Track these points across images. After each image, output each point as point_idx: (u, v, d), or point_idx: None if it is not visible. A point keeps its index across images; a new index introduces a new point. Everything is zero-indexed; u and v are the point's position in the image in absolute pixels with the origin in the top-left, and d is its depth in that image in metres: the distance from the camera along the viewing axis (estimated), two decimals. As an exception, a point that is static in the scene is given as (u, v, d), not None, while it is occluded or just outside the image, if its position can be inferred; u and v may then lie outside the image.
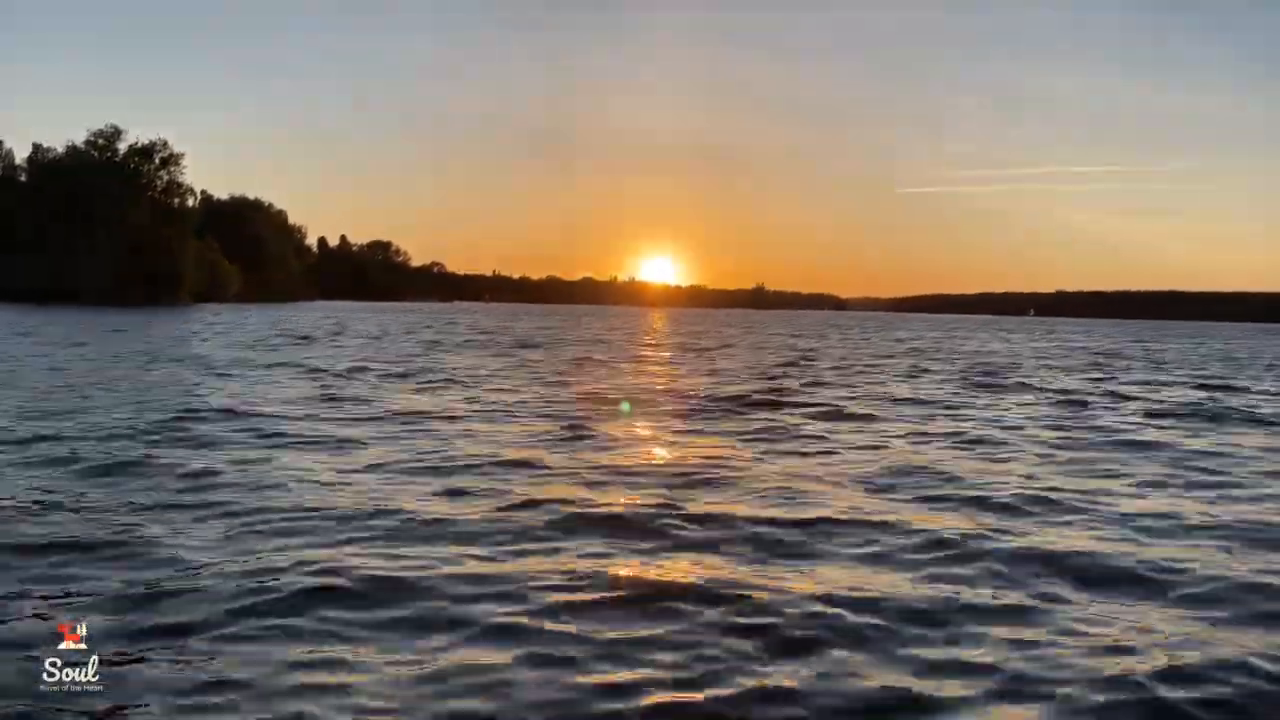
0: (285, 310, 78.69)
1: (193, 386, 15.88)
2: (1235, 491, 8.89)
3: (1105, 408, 16.21)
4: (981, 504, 7.88)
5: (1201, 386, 21.63)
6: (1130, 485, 9.03)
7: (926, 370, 25.06)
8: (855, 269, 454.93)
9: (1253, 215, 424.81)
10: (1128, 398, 18.02)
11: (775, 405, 15.07)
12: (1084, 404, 16.66)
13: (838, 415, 14.06)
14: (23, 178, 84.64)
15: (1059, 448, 11.33)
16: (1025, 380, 21.82)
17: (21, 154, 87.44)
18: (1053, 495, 8.26)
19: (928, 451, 10.78)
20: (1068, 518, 7.52)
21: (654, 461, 9.83)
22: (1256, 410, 16.28)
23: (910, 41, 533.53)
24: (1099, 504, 8.01)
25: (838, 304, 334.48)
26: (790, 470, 9.39)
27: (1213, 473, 9.84)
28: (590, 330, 55.62)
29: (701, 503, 7.64)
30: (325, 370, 19.65)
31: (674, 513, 7.16)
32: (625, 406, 14.43)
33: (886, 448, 11.01)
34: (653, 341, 42.87)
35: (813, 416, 13.83)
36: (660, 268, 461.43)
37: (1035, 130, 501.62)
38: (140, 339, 30.43)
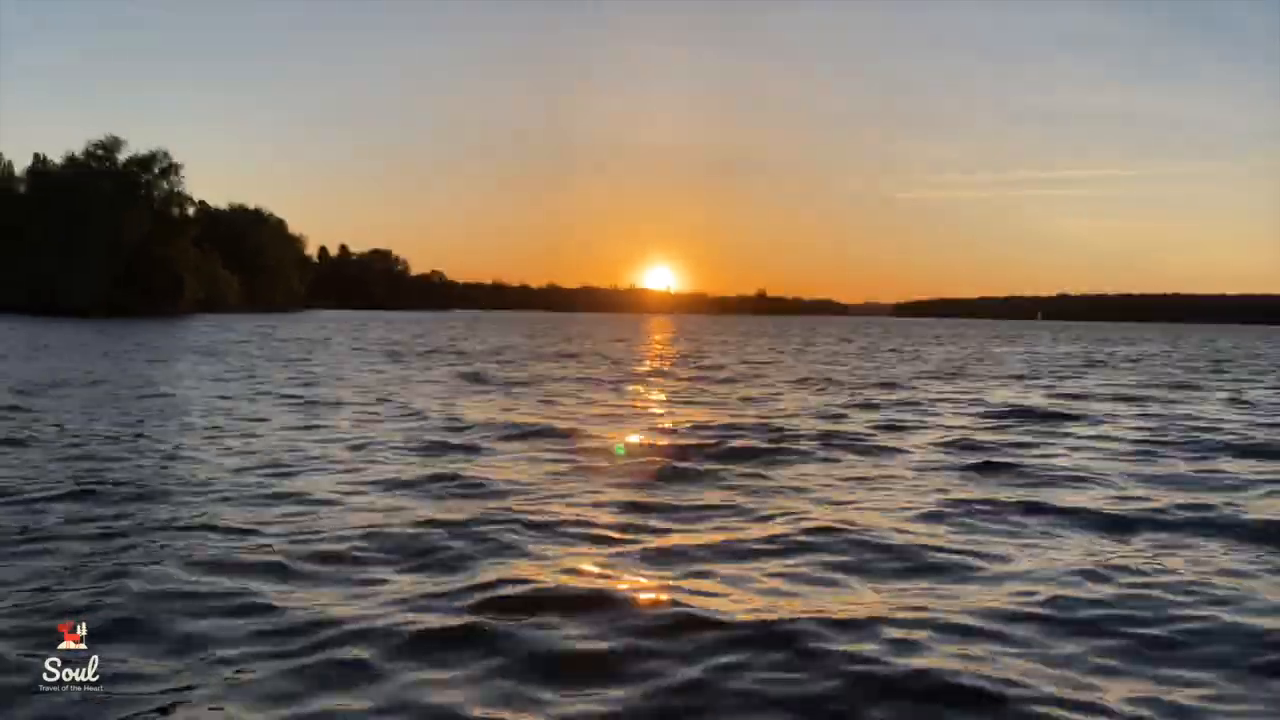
0: (276, 320, 77.03)
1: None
2: None
3: None
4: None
5: None
6: None
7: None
8: (857, 274, 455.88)
9: (1255, 217, 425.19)
10: None
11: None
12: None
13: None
14: (22, 189, 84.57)
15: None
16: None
17: (21, 165, 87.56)
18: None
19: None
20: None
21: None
22: None
23: (908, 49, 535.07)
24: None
25: (840, 309, 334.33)
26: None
27: None
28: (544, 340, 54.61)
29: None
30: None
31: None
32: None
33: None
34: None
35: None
36: (661, 275, 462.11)
37: (1034, 135, 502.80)
38: (54, 349, 27.80)
